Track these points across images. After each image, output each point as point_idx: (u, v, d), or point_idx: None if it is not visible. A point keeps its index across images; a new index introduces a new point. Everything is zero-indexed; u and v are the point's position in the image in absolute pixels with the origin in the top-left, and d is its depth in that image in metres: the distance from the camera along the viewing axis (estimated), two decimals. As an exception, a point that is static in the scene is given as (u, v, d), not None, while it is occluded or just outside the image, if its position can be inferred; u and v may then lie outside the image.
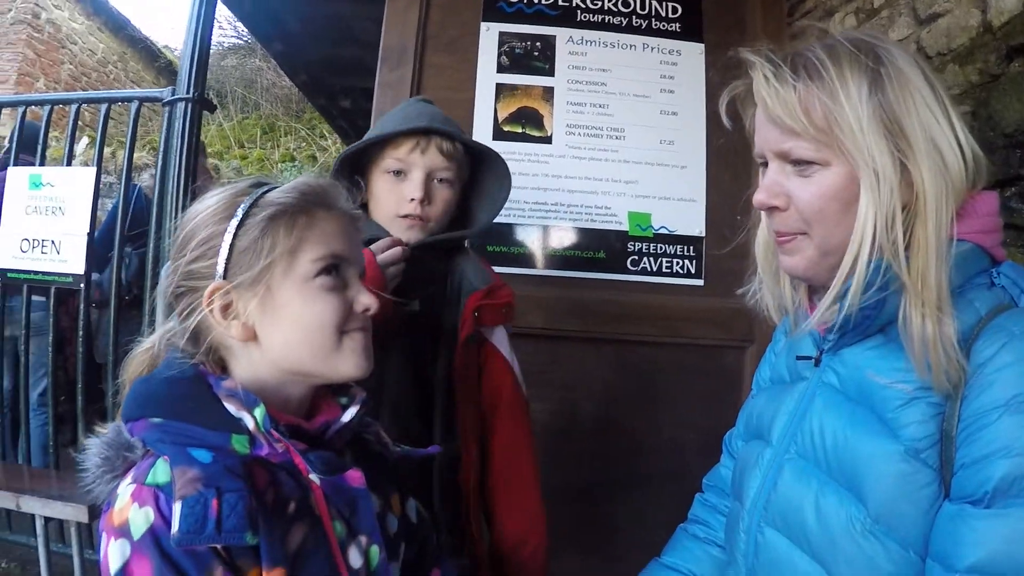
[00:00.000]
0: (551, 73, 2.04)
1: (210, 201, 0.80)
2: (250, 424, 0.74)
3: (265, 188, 0.81)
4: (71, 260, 2.59)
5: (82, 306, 2.57)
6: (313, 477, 0.77)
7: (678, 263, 1.98)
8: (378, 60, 2.00)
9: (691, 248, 1.99)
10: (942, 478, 0.72)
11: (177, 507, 0.65)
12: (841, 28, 2.21)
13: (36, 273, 2.63)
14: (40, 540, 2.19)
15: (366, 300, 0.82)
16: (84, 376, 2.57)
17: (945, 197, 0.73)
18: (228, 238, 0.77)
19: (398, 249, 1.19)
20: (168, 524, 0.66)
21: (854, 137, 0.74)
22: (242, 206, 0.78)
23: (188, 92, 2.38)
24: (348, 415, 0.83)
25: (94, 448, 0.76)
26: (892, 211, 0.74)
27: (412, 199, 1.21)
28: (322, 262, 0.79)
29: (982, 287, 0.76)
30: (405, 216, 1.22)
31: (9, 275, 2.64)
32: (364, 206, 1.27)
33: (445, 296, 1.28)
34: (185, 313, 0.78)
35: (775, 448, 0.88)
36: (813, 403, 0.85)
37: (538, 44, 2.04)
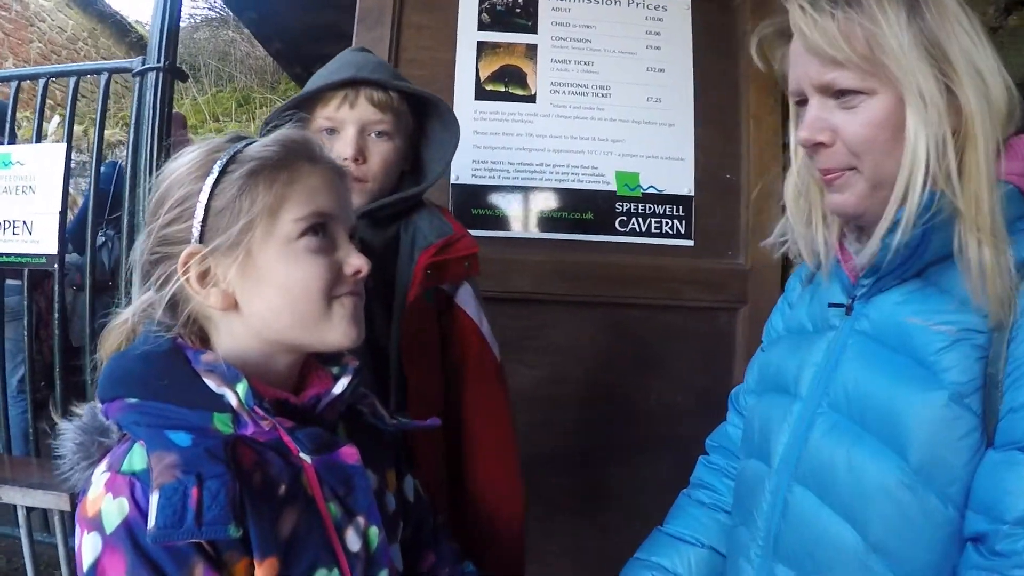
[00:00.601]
0: (534, 30, 1.96)
1: (185, 158, 0.74)
2: (233, 401, 0.68)
3: (244, 142, 0.74)
4: (43, 240, 2.51)
5: (56, 287, 2.50)
6: (304, 456, 0.71)
7: (667, 223, 1.93)
8: (354, 21, 1.93)
9: (680, 208, 1.94)
10: (985, 426, 0.69)
11: (154, 498, 0.59)
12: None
13: (8, 256, 2.55)
14: (23, 531, 2.14)
15: (357, 262, 0.75)
16: (61, 360, 2.50)
17: (991, 123, 0.71)
18: (204, 198, 0.70)
19: None
20: (144, 516, 0.60)
21: (898, 61, 0.71)
22: (218, 162, 0.71)
23: (158, 61, 2.30)
24: (339, 387, 0.77)
25: (69, 433, 0.70)
26: (942, 135, 0.71)
27: (344, 158, 1.11)
28: (306, 221, 0.72)
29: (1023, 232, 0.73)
30: None
31: (-22, 258, 2.56)
32: None
33: (399, 257, 1.18)
34: (160, 281, 0.72)
35: (805, 401, 0.84)
36: (845, 353, 0.82)
37: (520, 0, 1.97)
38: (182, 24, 9.89)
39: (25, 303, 2.61)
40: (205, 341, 0.74)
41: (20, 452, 2.80)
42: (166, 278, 0.71)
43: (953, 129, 0.72)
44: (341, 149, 1.12)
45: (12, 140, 2.70)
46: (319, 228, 0.73)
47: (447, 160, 1.25)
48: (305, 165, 0.74)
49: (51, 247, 2.49)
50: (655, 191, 1.93)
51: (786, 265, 1.92)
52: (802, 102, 0.82)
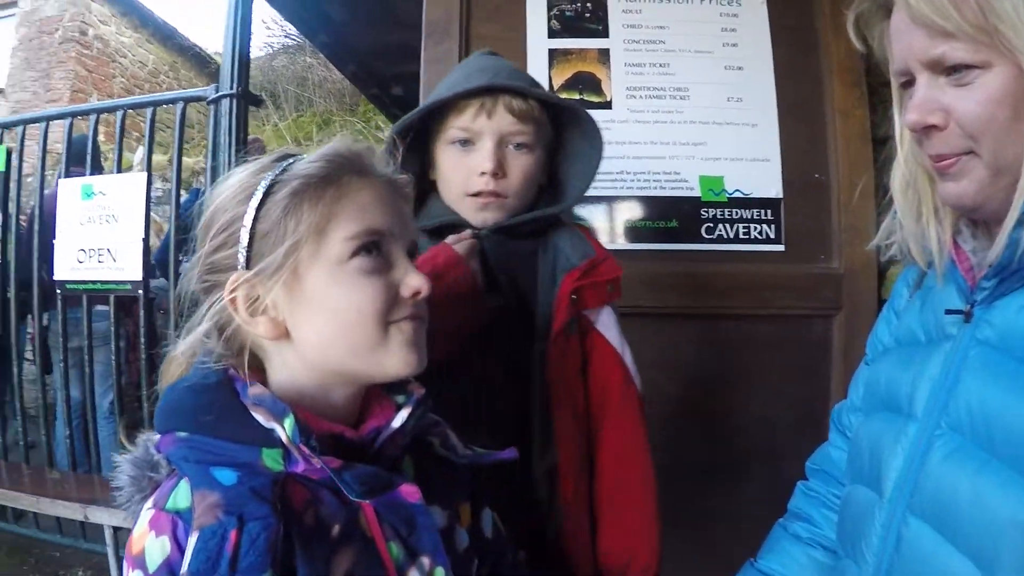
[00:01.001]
0: (605, 34, 1.90)
1: (230, 181, 0.71)
2: (282, 436, 0.63)
3: (290, 160, 0.70)
4: (128, 268, 2.59)
5: (142, 312, 2.57)
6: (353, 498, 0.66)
7: (756, 228, 1.83)
8: (422, 36, 1.91)
9: (769, 211, 1.84)
10: None
11: (192, 540, 0.57)
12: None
13: (94, 283, 2.64)
14: (110, 549, 2.21)
15: (416, 282, 0.70)
16: (147, 383, 2.56)
17: None
18: (248, 221, 0.66)
19: (467, 234, 1.04)
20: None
21: (1015, 26, 0.62)
22: (262, 183, 0.67)
23: (232, 88, 2.35)
24: (399, 419, 0.71)
25: (123, 466, 0.67)
26: None
27: (483, 172, 1.03)
28: (357, 240, 0.67)
29: None
30: (477, 194, 1.05)
31: (68, 286, 2.66)
32: (433, 184, 1.12)
33: (538, 281, 1.09)
34: (211, 311, 0.69)
35: (921, 422, 0.74)
36: (966, 366, 0.71)
37: (589, 5, 1.91)
38: (260, 53, 10.24)
39: (112, 328, 2.69)
40: (261, 372, 0.71)
41: (110, 473, 2.89)
42: (216, 307, 0.68)
43: None
44: (479, 163, 1.04)
45: (95, 171, 2.80)
46: (372, 247, 0.68)
47: (590, 177, 1.13)
48: (354, 179, 0.69)
49: (136, 274, 2.57)
50: (741, 195, 1.84)
51: (881, 268, 1.81)
52: (907, 83, 0.73)
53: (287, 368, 0.70)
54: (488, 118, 1.03)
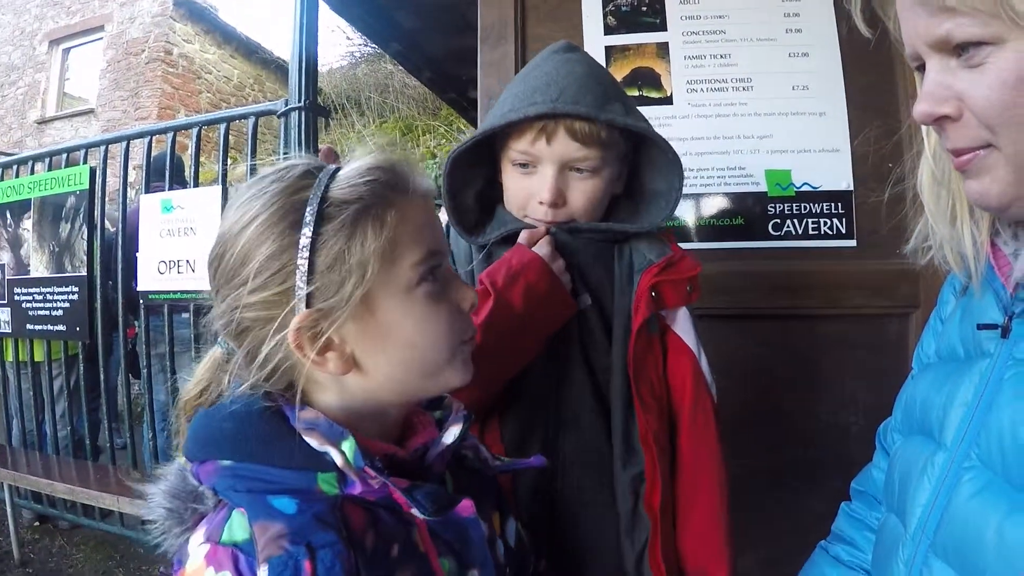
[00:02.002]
0: (663, 27, 1.85)
1: (255, 207, 0.64)
2: (337, 460, 0.62)
3: (324, 179, 0.65)
4: (206, 277, 2.70)
5: (221, 319, 2.68)
6: (416, 511, 0.65)
7: (826, 223, 1.75)
8: (477, 40, 1.91)
9: (839, 205, 1.75)
10: None
11: (262, 572, 0.55)
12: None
13: (174, 292, 2.77)
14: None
15: (471, 296, 0.69)
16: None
17: None
18: (305, 255, 0.61)
19: (545, 240, 1.00)
20: None
21: None
22: (309, 210, 0.62)
23: (300, 101, 2.42)
24: (450, 436, 0.71)
25: (157, 497, 0.64)
26: None
27: (541, 202, 1.00)
28: (423, 265, 0.65)
29: None
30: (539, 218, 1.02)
31: (150, 296, 2.80)
32: (502, 193, 1.09)
33: (614, 280, 1.05)
34: (255, 349, 0.64)
35: (950, 452, 0.66)
36: (1001, 389, 0.63)
37: (645, -1, 1.87)
38: (343, 63, 10.47)
39: (192, 334, 2.82)
40: (302, 397, 0.68)
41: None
42: (262, 345, 0.63)
43: None
44: (537, 190, 1.00)
45: (175, 186, 2.94)
46: (435, 269, 0.67)
47: (671, 205, 1.06)
48: (407, 199, 0.66)
49: (214, 282, 2.67)
50: (810, 188, 1.76)
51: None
52: (921, 66, 0.64)
53: (344, 394, 0.67)
54: (548, 143, 0.97)
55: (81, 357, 3.46)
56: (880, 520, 0.83)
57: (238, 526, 0.59)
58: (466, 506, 0.69)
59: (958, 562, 0.62)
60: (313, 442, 0.62)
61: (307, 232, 0.62)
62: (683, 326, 1.07)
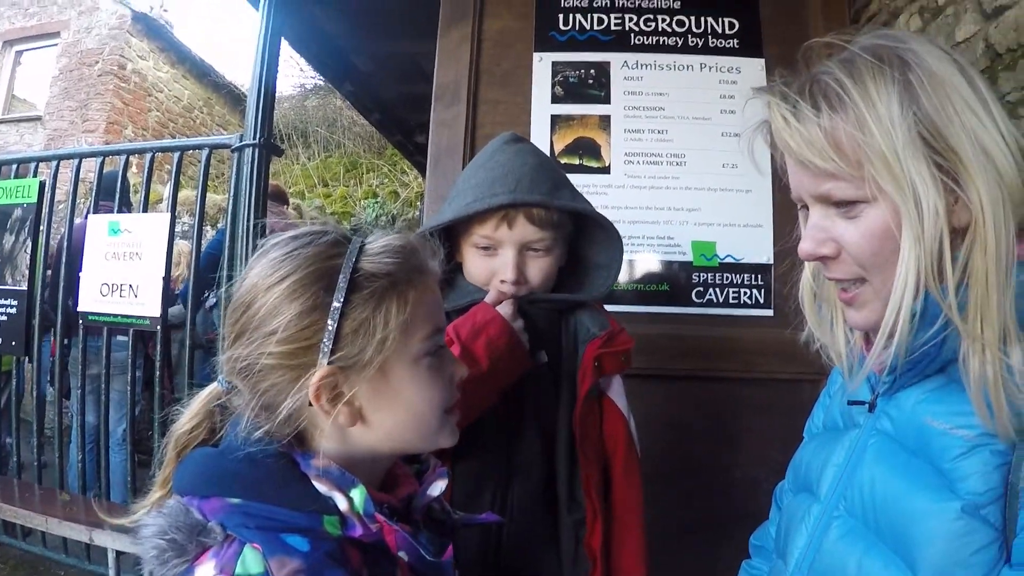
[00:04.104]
0: (607, 100, 1.99)
1: (287, 267, 0.71)
2: (342, 505, 0.68)
3: (356, 249, 0.72)
4: (148, 303, 2.69)
5: (159, 348, 2.66)
6: (401, 554, 0.71)
7: (746, 293, 1.89)
8: (432, 98, 2.00)
9: (759, 276, 1.89)
10: (1004, 540, 0.62)
11: None
12: (907, 29, 2.10)
13: (115, 316, 2.74)
14: (112, 572, 2.27)
15: (462, 371, 0.79)
16: (159, 415, 2.65)
17: (1004, 211, 0.64)
18: (335, 317, 0.68)
19: (508, 302, 1.11)
20: None
21: (890, 167, 0.65)
22: (342, 276, 0.69)
23: (255, 138, 2.45)
24: (437, 489, 0.79)
25: (155, 527, 0.67)
26: (938, 243, 0.65)
27: (503, 280, 1.11)
28: (432, 339, 0.74)
29: None
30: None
31: (90, 318, 2.77)
32: (460, 265, 1.19)
33: (561, 347, 1.18)
34: (272, 396, 0.70)
35: (823, 504, 0.80)
36: (865, 454, 0.77)
37: (592, 71, 2.00)
38: (293, 92, 10.32)
39: (130, 360, 2.80)
40: (300, 441, 0.73)
41: (119, 499, 2.98)
42: (282, 391, 0.69)
43: (963, 226, 0.66)
44: (501, 270, 1.11)
45: (123, 208, 2.93)
46: (439, 344, 0.75)
47: (612, 276, 1.21)
48: (423, 280, 0.74)
49: (155, 310, 2.66)
50: (733, 260, 1.90)
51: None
52: (806, 206, 0.76)
53: (346, 443, 0.73)
54: (509, 228, 1.09)
55: (14, 372, 3.37)
56: (770, 568, 0.96)
57: (252, 561, 0.63)
58: (449, 551, 0.76)
59: None
60: (322, 487, 0.68)
61: (340, 297, 0.68)
62: (617, 391, 1.21)
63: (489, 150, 1.19)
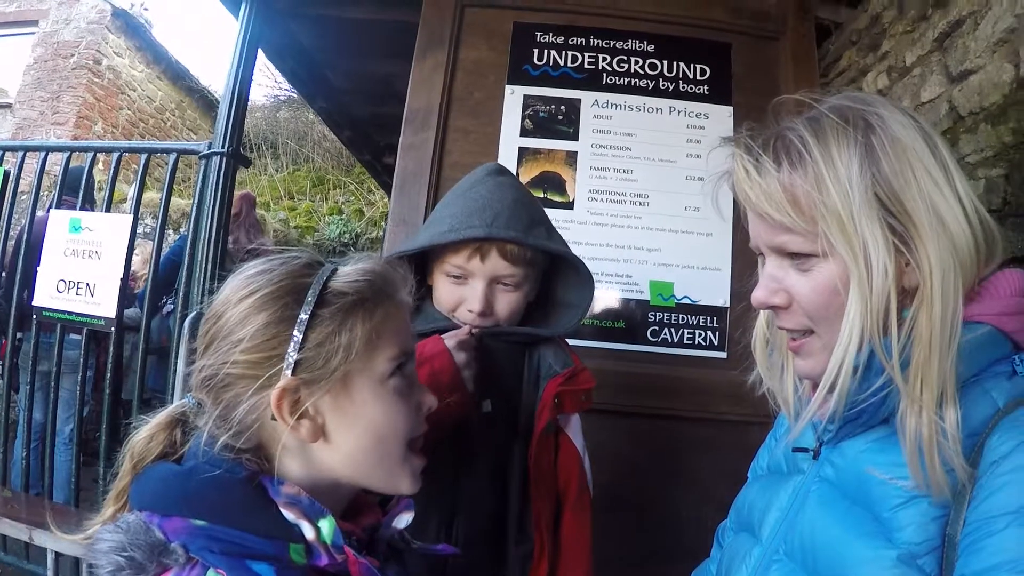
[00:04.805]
0: (575, 137, 2.02)
1: (259, 281, 0.72)
2: (309, 534, 0.67)
3: (328, 271, 0.74)
4: (104, 303, 2.64)
5: (112, 349, 2.61)
6: None
7: (700, 334, 1.92)
8: (402, 122, 2.01)
9: (715, 319, 1.93)
10: None
11: None
12: (874, 88, 2.17)
13: (70, 314, 2.69)
14: (50, 573, 2.21)
15: (430, 401, 0.79)
16: (109, 417, 2.59)
17: (953, 277, 0.66)
18: (301, 330, 0.69)
19: (466, 330, 1.12)
20: None
21: (842, 226, 0.68)
22: (311, 291, 0.71)
23: (223, 147, 2.44)
24: (403, 522, 0.78)
25: (112, 542, 0.65)
26: (884, 302, 0.68)
27: (470, 310, 1.12)
28: (396, 361, 0.74)
29: (1001, 376, 0.68)
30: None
31: (44, 313, 2.71)
32: (430, 290, 1.20)
33: (523, 381, 1.18)
34: (232, 406, 0.70)
35: (764, 546, 0.82)
36: (808, 499, 0.78)
37: (562, 108, 2.04)
38: (266, 102, 10.23)
39: (82, 359, 2.74)
40: (265, 460, 0.72)
41: (62, 499, 2.90)
42: (239, 404, 0.69)
43: (913, 287, 0.68)
44: (469, 301, 1.12)
45: (85, 206, 2.88)
46: (404, 366, 0.75)
47: (579, 316, 1.22)
48: (392, 303, 0.75)
49: (110, 310, 2.62)
50: (689, 301, 1.93)
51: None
52: (762, 255, 0.80)
53: (309, 465, 0.73)
54: (481, 261, 1.10)
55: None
56: None
57: None
58: None
59: None
60: (290, 515, 0.68)
61: (307, 309, 0.70)
62: (575, 429, 1.22)
63: (471, 179, 1.20)
